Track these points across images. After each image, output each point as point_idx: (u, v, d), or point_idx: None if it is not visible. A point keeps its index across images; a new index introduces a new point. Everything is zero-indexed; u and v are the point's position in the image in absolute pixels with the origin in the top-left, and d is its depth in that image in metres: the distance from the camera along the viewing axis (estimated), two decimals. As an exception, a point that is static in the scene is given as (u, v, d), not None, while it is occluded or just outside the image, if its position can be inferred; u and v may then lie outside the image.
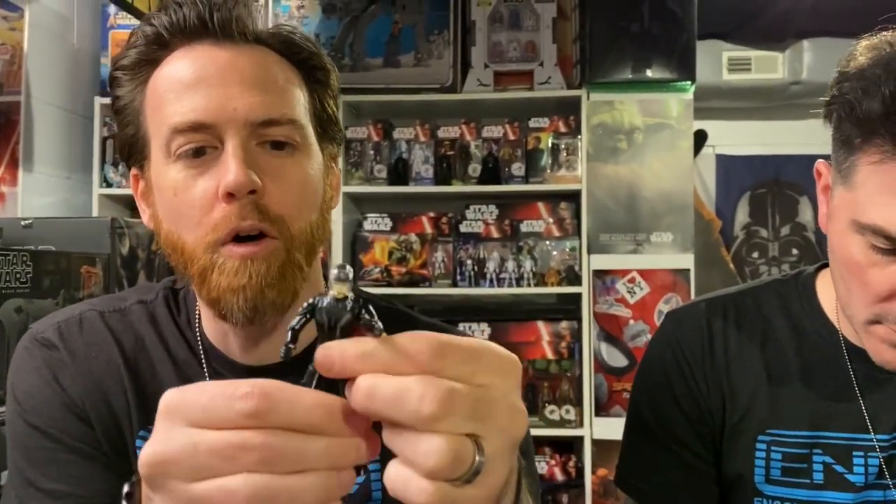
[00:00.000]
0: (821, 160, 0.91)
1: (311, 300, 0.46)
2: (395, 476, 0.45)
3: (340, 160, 3.00)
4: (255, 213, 0.74)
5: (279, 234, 0.75)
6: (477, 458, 0.44)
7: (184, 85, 0.75)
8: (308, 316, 0.46)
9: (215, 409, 0.44)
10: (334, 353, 0.44)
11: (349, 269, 0.46)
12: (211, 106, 0.74)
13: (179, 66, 0.77)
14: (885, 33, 0.83)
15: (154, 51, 0.79)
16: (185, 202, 0.75)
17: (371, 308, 0.45)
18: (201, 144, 0.75)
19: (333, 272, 0.46)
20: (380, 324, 0.45)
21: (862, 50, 0.83)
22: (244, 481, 0.43)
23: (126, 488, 0.54)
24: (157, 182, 0.79)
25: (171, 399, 0.46)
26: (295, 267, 0.77)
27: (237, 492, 0.43)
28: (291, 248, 0.76)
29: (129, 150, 0.82)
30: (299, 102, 0.80)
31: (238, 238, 0.74)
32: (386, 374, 0.43)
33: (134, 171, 0.84)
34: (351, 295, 0.45)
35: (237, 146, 0.73)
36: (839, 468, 0.93)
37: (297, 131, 0.78)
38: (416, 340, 0.44)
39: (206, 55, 0.77)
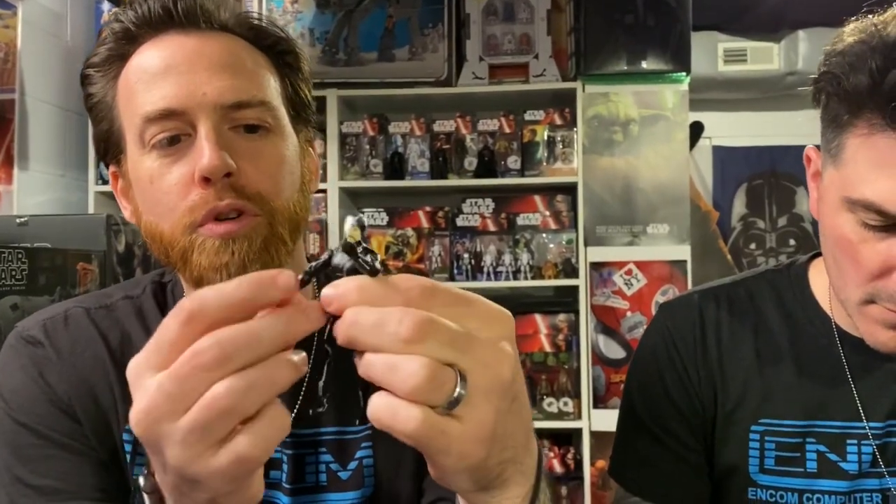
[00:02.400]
0: (810, 146, 0.91)
1: (329, 249, 0.49)
2: (382, 406, 0.46)
3: (336, 155, 3.02)
4: (231, 193, 0.74)
5: (260, 209, 0.76)
6: (458, 388, 0.46)
7: (152, 74, 0.76)
8: (328, 257, 0.50)
9: (163, 342, 0.46)
10: (333, 289, 0.47)
11: (364, 218, 0.50)
12: (180, 93, 0.74)
13: (147, 57, 0.77)
14: (870, 16, 0.83)
15: (123, 45, 0.79)
16: (161, 189, 0.75)
17: (376, 254, 0.48)
18: (174, 133, 0.75)
19: (350, 219, 0.49)
20: (378, 266, 0.48)
21: (849, 31, 0.83)
22: (219, 386, 0.44)
23: (141, 480, 0.54)
24: (133, 174, 0.79)
25: (133, 363, 0.47)
26: (279, 241, 0.77)
27: (217, 396, 0.44)
28: (274, 222, 0.76)
29: (104, 146, 0.82)
30: (270, 85, 0.80)
31: (217, 220, 0.74)
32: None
33: (112, 168, 0.84)
34: (361, 242, 0.49)
35: (210, 130, 0.74)
36: (833, 456, 0.93)
37: (268, 113, 0.78)
38: (408, 280, 0.47)
39: (174, 44, 0.77)
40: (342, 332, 0.46)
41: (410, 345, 0.45)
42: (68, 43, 3.02)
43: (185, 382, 0.44)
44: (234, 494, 0.48)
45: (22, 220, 2.10)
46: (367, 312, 0.46)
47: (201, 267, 0.74)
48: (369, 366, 0.46)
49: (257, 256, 0.75)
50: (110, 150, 0.82)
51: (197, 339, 0.45)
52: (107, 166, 0.85)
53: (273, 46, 0.83)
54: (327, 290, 0.47)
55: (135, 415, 0.46)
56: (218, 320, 0.45)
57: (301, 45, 0.86)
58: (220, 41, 0.79)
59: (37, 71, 2.80)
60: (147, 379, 0.46)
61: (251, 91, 0.77)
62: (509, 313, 0.50)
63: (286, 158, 0.80)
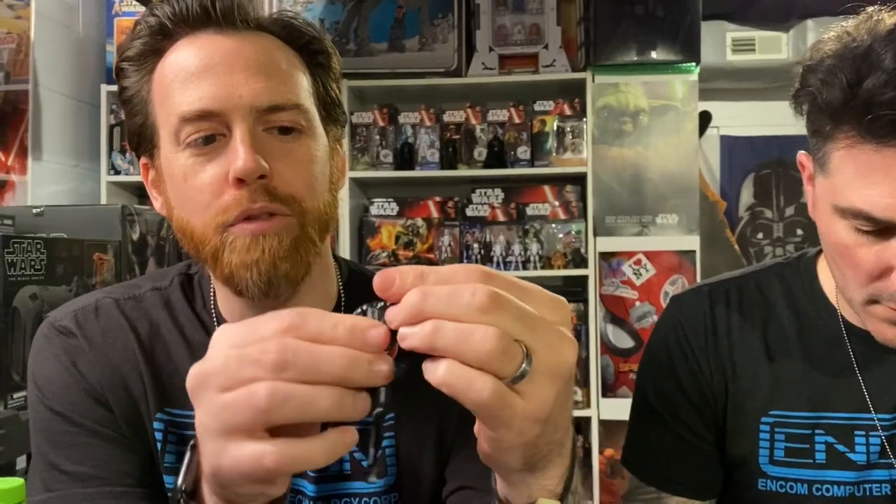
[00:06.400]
0: (802, 152, 0.93)
1: (363, 307, 0.50)
2: (458, 374, 0.46)
3: (346, 145, 3.03)
4: (265, 195, 0.75)
5: (291, 212, 0.77)
6: (524, 363, 0.47)
7: (189, 74, 0.77)
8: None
9: (254, 331, 0.48)
10: (395, 273, 0.48)
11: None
12: (217, 94, 0.75)
13: (184, 56, 0.78)
14: (843, 23, 0.85)
15: (158, 41, 0.80)
16: (195, 187, 0.77)
17: None
18: (209, 133, 0.76)
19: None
20: None
21: (825, 41, 0.84)
22: (264, 386, 0.46)
23: (192, 441, 0.56)
24: (167, 170, 0.80)
25: (224, 329, 0.50)
26: (308, 241, 0.78)
27: (256, 393, 0.46)
28: (304, 223, 0.78)
29: (138, 139, 0.84)
30: (303, 87, 0.81)
31: (248, 219, 0.76)
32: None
33: (144, 160, 0.85)
34: None
35: (245, 132, 0.75)
36: (841, 447, 0.95)
37: (302, 115, 0.79)
38: (465, 266, 0.49)
39: (210, 43, 0.78)
40: (412, 304, 0.46)
41: (485, 314, 0.45)
42: (80, 34, 3.03)
43: (242, 369, 0.47)
44: (249, 491, 0.50)
45: (38, 210, 2.12)
46: (438, 287, 0.46)
47: (232, 264, 0.76)
48: (439, 332, 0.45)
49: (287, 255, 0.76)
50: (143, 143, 0.83)
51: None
52: (138, 157, 0.86)
53: (306, 46, 0.84)
54: (386, 275, 0.48)
55: (195, 369, 0.49)
56: (306, 339, 0.47)
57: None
58: (255, 42, 0.79)
59: (50, 62, 2.82)
60: (224, 348, 0.49)
61: (286, 94, 0.78)
62: (564, 300, 0.51)
63: (317, 159, 0.81)
